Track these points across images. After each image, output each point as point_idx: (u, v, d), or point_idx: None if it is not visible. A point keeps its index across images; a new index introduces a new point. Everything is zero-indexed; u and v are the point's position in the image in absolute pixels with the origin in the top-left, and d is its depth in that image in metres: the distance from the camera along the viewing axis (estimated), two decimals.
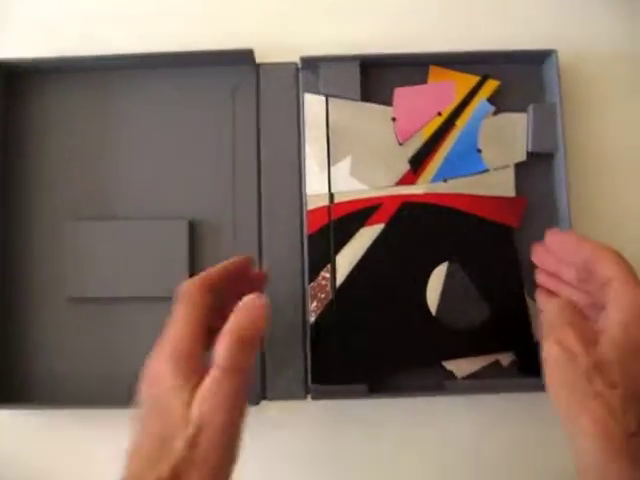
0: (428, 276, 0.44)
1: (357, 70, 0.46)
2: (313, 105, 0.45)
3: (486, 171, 0.45)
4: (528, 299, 0.44)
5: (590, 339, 0.32)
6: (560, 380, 0.32)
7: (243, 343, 0.32)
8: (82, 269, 0.46)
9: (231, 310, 0.33)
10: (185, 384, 0.30)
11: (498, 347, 0.44)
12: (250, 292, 0.34)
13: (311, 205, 0.45)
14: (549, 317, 0.35)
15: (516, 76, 0.47)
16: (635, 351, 0.31)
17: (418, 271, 0.44)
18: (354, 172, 0.45)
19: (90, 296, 0.46)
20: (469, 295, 0.44)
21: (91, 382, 0.46)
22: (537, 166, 0.46)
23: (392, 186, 0.45)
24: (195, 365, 0.31)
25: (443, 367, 0.44)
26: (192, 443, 0.29)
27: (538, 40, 0.46)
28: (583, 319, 0.34)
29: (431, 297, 0.44)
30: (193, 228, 0.47)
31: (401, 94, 0.46)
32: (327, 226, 0.44)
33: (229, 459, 0.30)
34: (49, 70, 0.48)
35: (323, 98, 0.45)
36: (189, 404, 0.30)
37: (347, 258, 0.44)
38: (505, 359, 0.44)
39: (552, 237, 0.40)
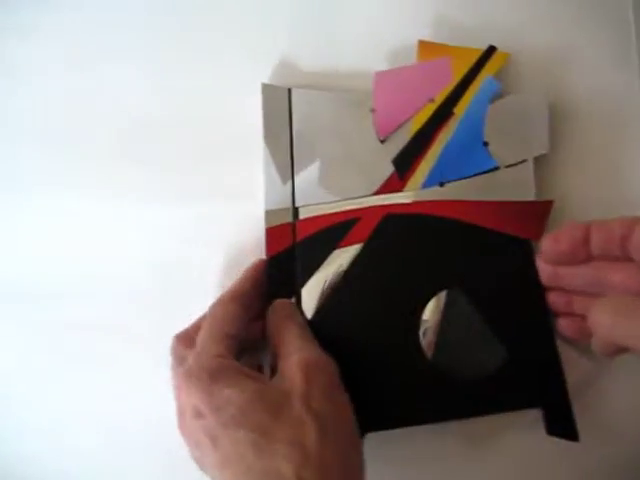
0: (422, 309, 0.34)
1: None
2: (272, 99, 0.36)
3: (496, 169, 0.35)
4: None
5: None
6: None
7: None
8: None
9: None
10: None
11: (518, 403, 0.33)
12: None
13: (269, 223, 0.35)
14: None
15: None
16: None
17: (408, 303, 0.34)
18: (323, 180, 0.35)
19: None
20: (477, 333, 0.33)
21: None
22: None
23: (371, 195, 0.35)
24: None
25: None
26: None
27: None
28: None
29: (427, 337, 0.34)
30: None
31: (382, 78, 0.36)
32: (290, 249, 0.35)
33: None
34: None
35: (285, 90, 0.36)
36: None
37: (315, 290, 0.34)
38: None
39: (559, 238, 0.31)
